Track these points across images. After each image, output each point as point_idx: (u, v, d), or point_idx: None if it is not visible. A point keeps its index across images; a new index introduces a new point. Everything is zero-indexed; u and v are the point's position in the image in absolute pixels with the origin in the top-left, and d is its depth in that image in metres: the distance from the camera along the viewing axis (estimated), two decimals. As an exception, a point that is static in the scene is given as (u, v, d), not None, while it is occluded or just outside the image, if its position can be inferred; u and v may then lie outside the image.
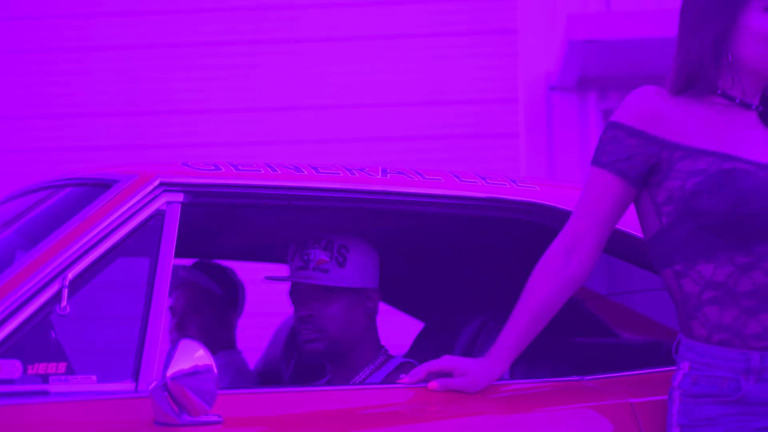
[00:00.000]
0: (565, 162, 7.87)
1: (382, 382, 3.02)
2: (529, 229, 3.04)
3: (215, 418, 2.44)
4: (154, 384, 2.39)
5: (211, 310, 4.06)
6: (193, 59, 7.81)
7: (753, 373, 2.43)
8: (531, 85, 7.93)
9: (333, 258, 3.06)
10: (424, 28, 7.74)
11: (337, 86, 7.73)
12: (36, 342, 2.46)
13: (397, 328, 4.22)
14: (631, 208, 2.66)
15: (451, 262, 3.74)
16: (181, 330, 4.03)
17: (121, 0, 7.88)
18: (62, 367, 2.47)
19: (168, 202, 2.65)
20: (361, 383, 3.06)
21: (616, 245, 2.90)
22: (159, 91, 7.81)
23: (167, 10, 7.84)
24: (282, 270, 3.26)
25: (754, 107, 2.60)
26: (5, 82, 7.88)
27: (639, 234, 2.73)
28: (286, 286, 3.19)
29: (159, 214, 2.63)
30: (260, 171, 2.81)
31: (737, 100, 2.58)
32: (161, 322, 2.54)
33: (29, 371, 2.44)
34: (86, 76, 7.86)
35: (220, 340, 4.08)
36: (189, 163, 2.78)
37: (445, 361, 2.63)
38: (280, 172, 2.82)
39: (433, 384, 2.61)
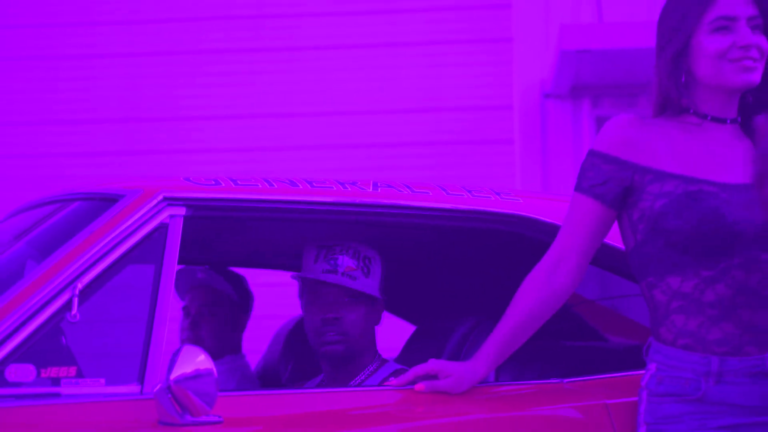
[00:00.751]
0: (560, 167, 7.95)
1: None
2: (513, 239, 3.15)
3: (216, 419, 2.55)
4: (158, 386, 2.51)
5: (224, 314, 4.08)
6: (194, 67, 7.83)
7: (712, 375, 2.57)
8: (526, 92, 7.99)
9: (359, 267, 3.17)
10: (421, 37, 7.76)
11: (334, 93, 7.74)
12: (48, 347, 2.57)
13: (393, 330, 4.32)
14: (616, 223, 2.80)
15: (439, 270, 3.83)
16: (194, 330, 4.05)
17: (123, 8, 7.89)
18: (73, 370, 2.57)
19: (171, 216, 2.76)
20: (357, 386, 3.14)
21: (604, 257, 3.01)
22: (160, 98, 7.82)
23: (168, 19, 7.86)
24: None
25: (729, 121, 2.72)
26: (9, 88, 7.88)
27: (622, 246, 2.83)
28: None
29: (162, 227, 2.73)
30: (258, 185, 2.91)
31: (708, 117, 2.71)
32: (165, 328, 2.65)
33: (42, 375, 2.55)
34: (88, 83, 7.85)
35: (229, 344, 4.12)
36: (191, 178, 2.88)
37: (431, 365, 2.77)
38: (276, 186, 2.92)
39: (420, 386, 2.75)
